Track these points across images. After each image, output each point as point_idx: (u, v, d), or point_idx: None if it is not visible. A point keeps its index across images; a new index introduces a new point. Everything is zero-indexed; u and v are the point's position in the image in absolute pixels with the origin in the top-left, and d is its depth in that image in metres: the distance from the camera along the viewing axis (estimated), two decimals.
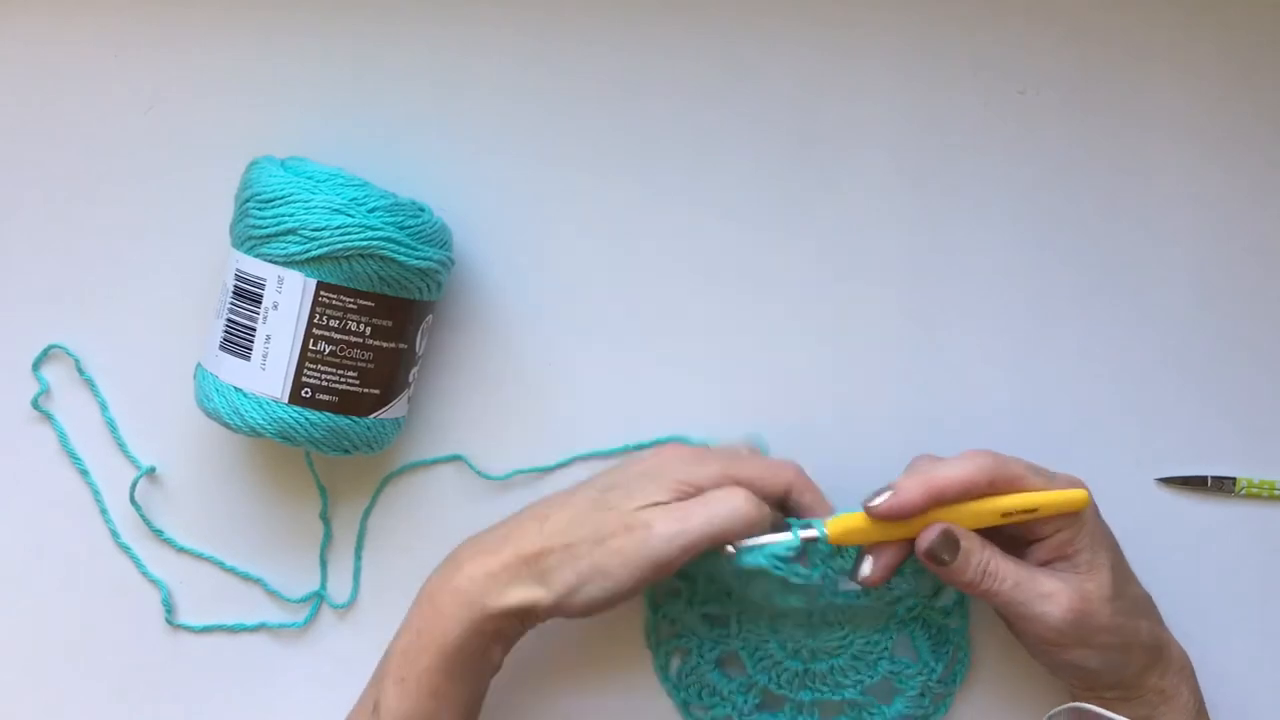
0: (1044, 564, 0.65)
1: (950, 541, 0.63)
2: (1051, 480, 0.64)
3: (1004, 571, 0.63)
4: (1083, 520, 0.64)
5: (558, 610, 0.63)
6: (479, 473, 0.73)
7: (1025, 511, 0.64)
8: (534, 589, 0.63)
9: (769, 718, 0.71)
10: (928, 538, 0.63)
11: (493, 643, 0.64)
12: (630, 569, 0.62)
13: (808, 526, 0.64)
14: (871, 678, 0.70)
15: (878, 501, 0.63)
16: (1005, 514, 0.63)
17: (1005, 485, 0.63)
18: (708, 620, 0.71)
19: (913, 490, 0.62)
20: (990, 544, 0.64)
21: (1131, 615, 0.65)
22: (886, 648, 0.70)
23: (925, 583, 0.68)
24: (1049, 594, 0.63)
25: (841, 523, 0.64)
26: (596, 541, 0.63)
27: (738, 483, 0.64)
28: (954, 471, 0.63)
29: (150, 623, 0.73)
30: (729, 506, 0.63)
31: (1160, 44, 0.74)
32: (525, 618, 0.64)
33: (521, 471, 0.73)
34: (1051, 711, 0.65)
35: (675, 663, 0.72)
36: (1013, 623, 0.65)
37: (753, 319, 0.73)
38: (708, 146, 0.73)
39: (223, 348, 0.67)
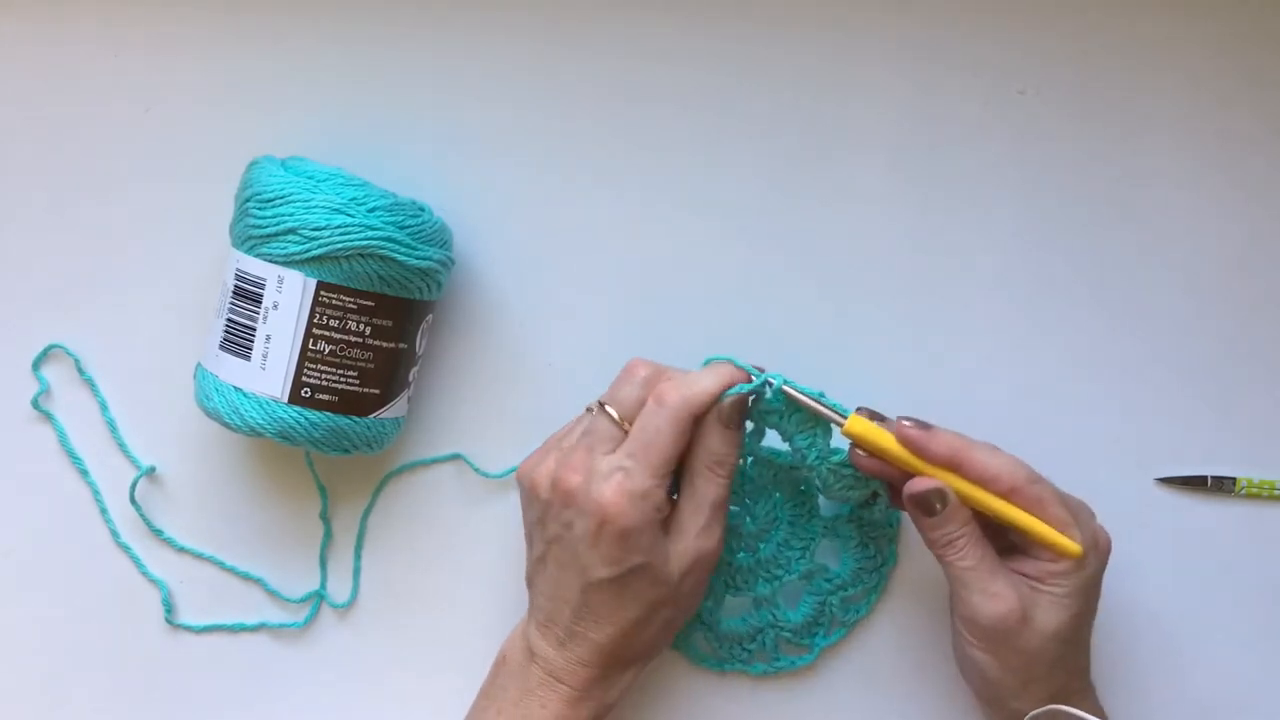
0: (1020, 574, 0.65)
1: (940, 497, 0.64)
2: (1074, 521, 0.64)
3: (968, 552, 0.64)
4: (1078, 565, 0.64)
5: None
6: (479, 471, 0.73)
7: (1015, 528, 0.64)
8: (642, 663, 0.66)
9: (736, 623, 0.71)
10: (921, 485, 0.64)
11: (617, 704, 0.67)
12: (706, 586, 0.67)
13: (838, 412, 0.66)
14: (810, 544, 0.71)
15: (910, 424, 0.64)
16: (997, 519, 0.64)
17: (1022, 501, 0.64)
18: None
19: (941, 441, 0.64)
20: (973, 522, 0.64)
21: (1056, 662, 0.65)
22: (813, 509, 0.71)
23: (834, 484, 0.68)
24: (994, 593, 0.63)
25: (863, 425, 0.65)
26: (671, 604, 0.65)
27: (670, 471, 0.64)
28: (987, 459, 0.64)
29: (150, 623, 0.73)
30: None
31: (1160, 44, 0.74)
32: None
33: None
34: (1031, 714, 0.65)
35: None
36: (951, 595, 0.66)
37: (753, 317, 0.73)
38: (707, 147, 0.73)
39: (223, 347, 0.67)
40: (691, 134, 0.73)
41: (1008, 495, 0.64)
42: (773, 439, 0.68)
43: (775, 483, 0.71)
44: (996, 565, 0.64)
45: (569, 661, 0.65)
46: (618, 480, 0.63)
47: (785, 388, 0.65)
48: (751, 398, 0.66)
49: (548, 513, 0.65)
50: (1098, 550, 0.65)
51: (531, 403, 0.73)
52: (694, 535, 0.64)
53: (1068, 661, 0.65)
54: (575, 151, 0.73)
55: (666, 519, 0.65)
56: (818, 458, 0.67)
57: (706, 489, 0.65)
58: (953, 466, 0.64)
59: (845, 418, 0.65)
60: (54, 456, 0.73)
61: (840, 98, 0.74)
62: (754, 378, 0.65)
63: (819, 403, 0.65)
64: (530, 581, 0.67)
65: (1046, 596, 0.64)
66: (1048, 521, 0.64)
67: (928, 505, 0.64)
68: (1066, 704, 0.65)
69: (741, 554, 0.71)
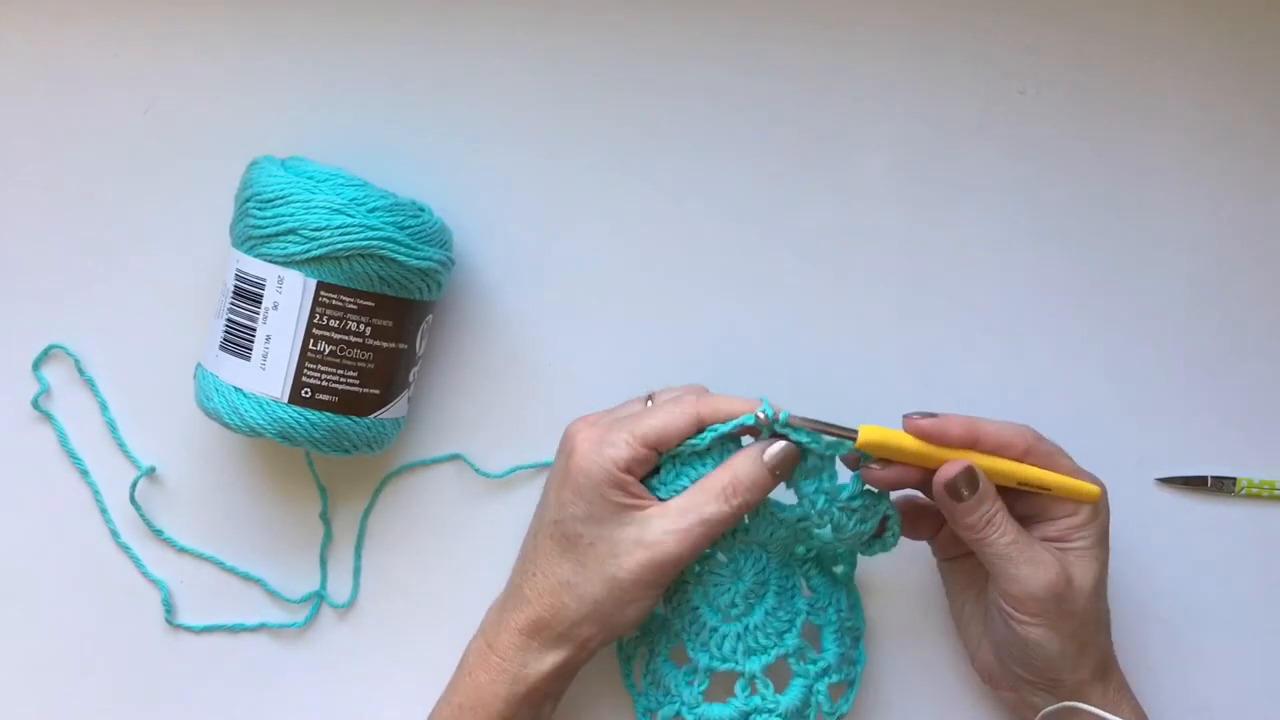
0: (1043, 540, 0.66)
1: (971, 479, 0.64)
2: (1078, 473, 0.66)
3: (1006, 526, 0.64)
4: (1094, 514, 0.66)
5: (598, 648, 0.66)
6: (479, 471, 0.73)
7: (1040, 486, 0.65)
8: (566, 647, 0.65)
9: (720, 709, 0.67)
10: (952, 469, 0.64)
11: (542, 703, 0.66)
12: (652, 590, 0.64)
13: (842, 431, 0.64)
14: (796, 619, 0.68)
15: (919, 416, 0.64)
16: (1021, 482, 0.65)
17: (1036, 459, 0.65)
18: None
19: (955, 422, 0.64)
20: (1000, 499, 0.65)
21: (1098, 621, 0.66)
22: (796, 585, 0.69)
23: (847, 522, 0.67)
24: (1039, 561, 0.64)
25: (875, 432, 0.64)
26: (604, 580, 0.63)
27: (647, 443, 0.64)
28: (996, 427, 0.65)
29: (150, 623, 0.73)
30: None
31: (1160, 43, 0.74)
32: (567, 674, 0.66)
33: (521, 468, 0.73)
34: (1043, 711, 0.65)
35: (638, 664, 0.70)
36: (996, 582, 0.65)
37: (752, 317, 0.73)
38: (708, 147, 0.73)
39: (223, 348, 0.67)
40: (691, 134, 0.73)
41: (1024, 457, 0.65)
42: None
43: (767, 543, 0.68)
44: (1029, 536, 0.65)
45: (502, 624, 0.65)
46: (601, 428, 0.64)
47: (792, 418, 0.64)
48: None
49: (555, 456, 0.67)
50: (1103, 495, 0.66)
51: (531, 403, 0.73)
52: (663, 529, 0.63)
53: (1103, 620, 0.67)
54: (575, 151, 0.73)
55: (649, 510, 0.64)
56: (827, 501, 0.65)
57: (706, 504, 0.63)
58: (970, 444, 0.64)
59: (854, 433, 0.64)
60: (54, 456, 0.73)
61: (840, 97, 0.74)
62: (767, 416, 0.64)
63: (827, 425, 0.64)
64: None
65: (1074, 553, 0.65)
66: (1062, 473, 0.65)
67: (959, 490, 0.64)
68: (1108, 673, 0.66)
69: (728, 624, 0.67)
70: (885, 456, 0.65)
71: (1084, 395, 0.73)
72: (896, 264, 0.73)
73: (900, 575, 0.73)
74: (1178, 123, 0.74)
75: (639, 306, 0.73)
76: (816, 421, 0.64)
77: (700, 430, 0.64)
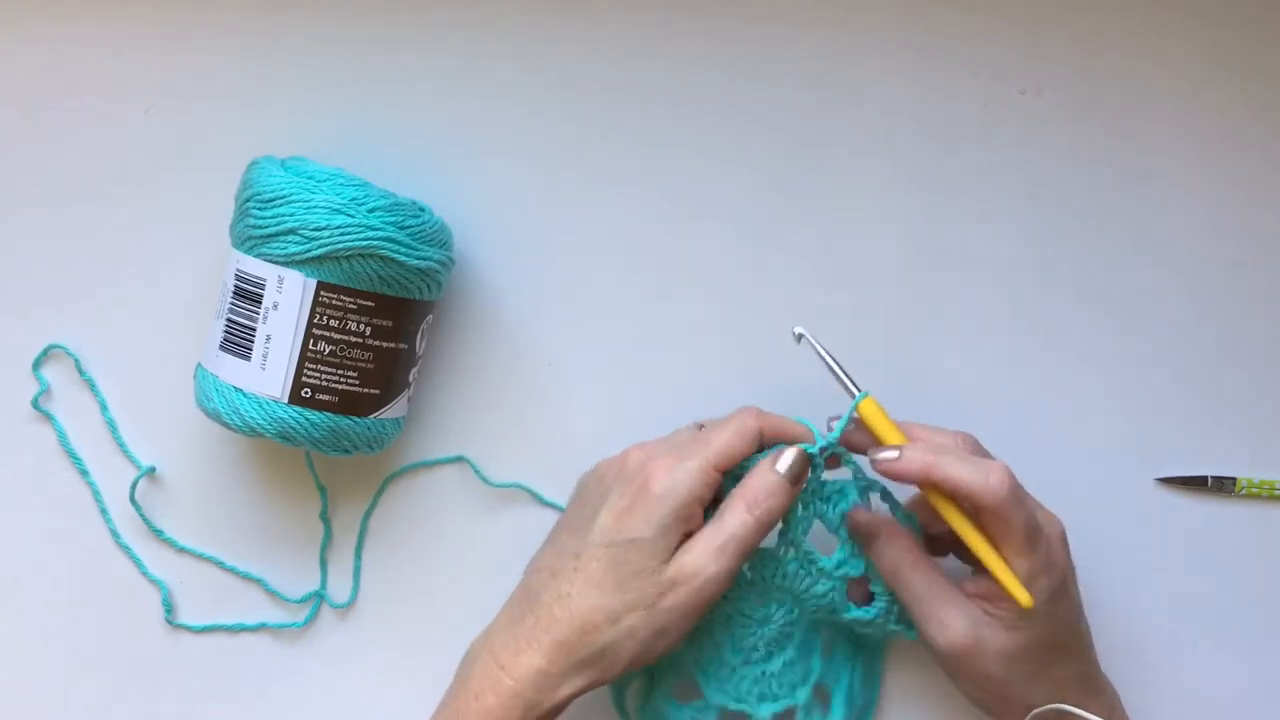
0: (974, 596, 0.65)
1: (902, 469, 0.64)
2: (1033, 549, 0.63)
3: (912, 584, 0.65)
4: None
5: (619, 676, 0.64)
6: (484, 480, 0.73)
7: (982, 564, 0.64)
8: (590, 674, 0.63)
9: None
10: (885, 462, 0.64)
11: None
12: (689, 620, 0.63)
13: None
14: (810, 675, 0.69)
15: (883, 456, 0.64)
16: (969, 549, 0.64)
17: (990, 524, 0.63)
18: None
19: (914, 467, 0.63)
20: (914, 552, 0.65)
21: (1029, 683, 0.65)
22: (817, 645, 0.69)
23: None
24: (944, 624, 0.64)
25: (872, 405, 0.65)
26: (645, 609, 0.63)
27: (718, 466, 0.64)
28: (960, 475, 0.62)
29: (150, 623, 0.73)
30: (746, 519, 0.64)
31: (1160, 45, 0.74)
32: (580, 696, 0.64)
33: (522, 487, 0.73)
34: (1033, 712, 0.65)
35: (631, 696, 0.70)
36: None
37: (753, 319, 0.73)
38: (707, 147, 0.73)
39: (223, 348, 0.67)
40: (691, 133, 0.73)
41: (978, 518, 0.64)
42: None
43: (801, 597, 0.68)
44: (949, 591, 0.65)
45: (521, 643, 0.63)
46: (671, 456, 0.64)
47: (809, 341, 0.65)
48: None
49: (599, 483, 0.66)
50: (1050, 571, 0.63)
51: (532, 403, 0.73)
52: (702, 551, 0.63)
53: (1053, 671, 0.65)
54: (576, 151, 0.73)
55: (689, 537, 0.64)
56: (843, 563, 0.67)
57: (732, 520, 0.63)
58: (927, 488, 0.64)
59: (859, 392, 0.66)
60: (54, 456, 0.73)
61: (840, 98, 0.74)
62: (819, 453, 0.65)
63: (843, 372, 0.66)
64: (529, 566, 0.67)
65: (999, 620, 0.64)
66: (1008, 554, 0.63)
67: (883, 461, 0.64)
68: (1073, 692, 0.65)
69: (747, 667, 0.68)
70: (870, 429, 0.66)
71: (1084, 394, 0.73)
72: (896, 264, 0.73)
73: None
74: (1178, 122, 0.74)
75: (639, 306, 0.73)
76: (834, 364, 0.66)
77: (762, 448, 0.65)
